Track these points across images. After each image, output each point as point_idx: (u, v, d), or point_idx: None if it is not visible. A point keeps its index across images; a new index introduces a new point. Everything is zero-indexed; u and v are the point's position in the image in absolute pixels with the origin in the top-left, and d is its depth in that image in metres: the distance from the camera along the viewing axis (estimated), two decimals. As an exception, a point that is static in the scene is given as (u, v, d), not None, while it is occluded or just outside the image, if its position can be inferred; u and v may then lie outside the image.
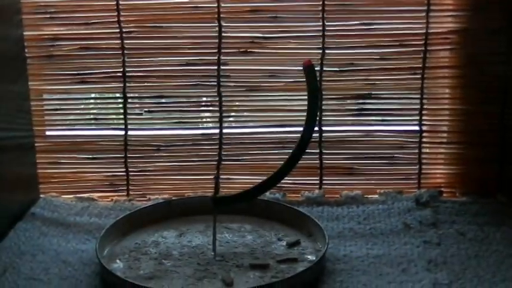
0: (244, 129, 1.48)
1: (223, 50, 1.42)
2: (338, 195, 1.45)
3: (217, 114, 1.45)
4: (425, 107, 1.44)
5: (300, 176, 1.45)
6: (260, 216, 1.34)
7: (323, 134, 1.45)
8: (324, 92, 1.42)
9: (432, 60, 1.41)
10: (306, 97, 1.15)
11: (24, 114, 1.43)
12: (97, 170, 1.49)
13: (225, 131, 1.46)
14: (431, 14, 1.38)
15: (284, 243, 1.25)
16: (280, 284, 1.10)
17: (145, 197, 1.48)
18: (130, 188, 1.49)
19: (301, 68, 1.15)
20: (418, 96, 1.43)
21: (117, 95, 1.47)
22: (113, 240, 1.26)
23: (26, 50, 1.42)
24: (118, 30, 1.41)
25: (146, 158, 1.48)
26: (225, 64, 1.43)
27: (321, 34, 1.40)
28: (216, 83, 1.43)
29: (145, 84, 1.45)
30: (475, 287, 1.10)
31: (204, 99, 1.48)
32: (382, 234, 1.29)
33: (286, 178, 1.20)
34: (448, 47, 1.40)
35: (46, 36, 1.42)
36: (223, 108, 1.45)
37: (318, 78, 1.39)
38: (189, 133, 1.48)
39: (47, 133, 1.48)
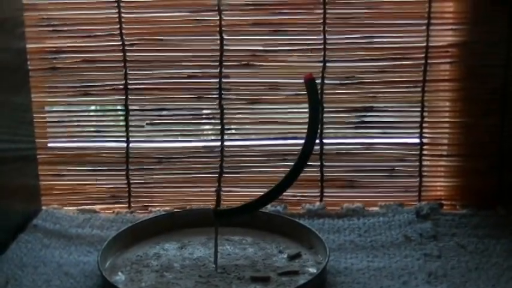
0: (245, 142, 1.48)
1: (224, 63, 1.42)
2: (339, 208, 1.45)
3: (219, 127, 1.46)
4: (425, 119, 1.44)
5: (301, 189, 1.46)
6: (261, 228, 1.34)
7: (324, 147, 1.45)
8: (325, 105, 1.43)
9: (432, 73, 1.42)
10: (307, 110, 1.15)
11: (27, 126, 1.44)
12: (99, 182, 1.49)
13: (226, 143, 1.47)
14: (432, 27, 1.39)
15: (285, 255, 1.26)
16: (281, 297, 1.10)
17: (147, 209, 1.48)
18: (132, 200, 1.49)
19: (303, 81, 1.15)
20: (419, 109, 1.43)
21: (119, 107, 1.48)
22: (114, 252, 1.26)
23: (29, 62, 1.42)
24: (120, 43, 1.42)
25: (148, 170, 1.48)
26: (227, 77, 1.43)
27: (322, 47, 1.41)
28: (217, 96, 1.44)
29: (147, 96, 1.46)
30: (476, 300, 1.11)
31: (206, 111, 1.49)
32: (382, 246, 1.30)
33: (287, 191, 1.20)
34: (449, 60, 1.41)
35: (48, 49, 1.43)
36: (225, 121, 1.45)
37: (319, 91, 1.40)
38: (190, 145, 1.48)
39: (49, 145, 1.49)
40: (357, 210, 1.44)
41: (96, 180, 1.49)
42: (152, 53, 1.43)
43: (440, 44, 1.40)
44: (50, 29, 1.42)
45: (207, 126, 1.52)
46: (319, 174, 1.47)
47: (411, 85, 1.42)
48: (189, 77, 1.44)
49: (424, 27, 1.39)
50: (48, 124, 1.48)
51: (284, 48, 1.42)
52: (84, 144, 1.49)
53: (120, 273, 1.20)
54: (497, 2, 1.36)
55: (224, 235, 1.30)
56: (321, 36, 1.40)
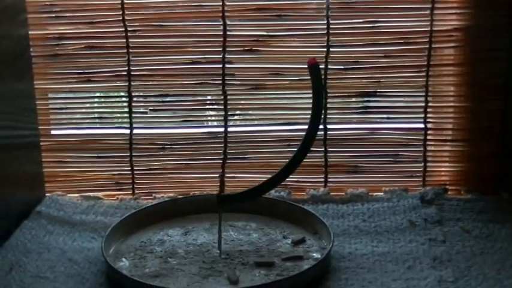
0: (249, 128, 1.48)
1: (228, 49, 1.42)
2: (343, 193, 1.45)
3: (222, 113, 1.45)
4: (430, 104, 1.44)
5: (305, 174, 1.45)
6: (265, 214, 1.34)
7: (328, 132, 1.45)
8: (328, 90, 1.42)
9: (437, 58, 1.41)
10: (310, 95, 1.15)
11: (30, 113, 1.43)
12: (102, 168, 1.49)
13: (230, 129, 1.46)
14: (436, 11, 1.38)
15: (289, 241, 1.25)
16: (285, 282, 1.10)
17: (151, 196, 1.48)
18: (135, 186, 1.49)
19: (306, 66, 1.15)
20: (423, 94, 1.43)
21: (122, 93, 1.47)
22: (118, 238, 1.26)
23: (31, 49, 1.42)
24: (123, 29, 1.41)
25: (151, 156, 1.48)
26: (230, 62, 1.43)
27: (325, 32, 1.40)
28: (220, 82, 1.44)
29: (150, 82, 1.45)
30: (480, 284, 1.10)
31: (209, 97, 1.48)
32: (387, 231, 1.29)
33: (291, 176, 1.20)
34: (453, 44, 1.40)
35: (51, 35, 1.42)
36: (228, 107, 1.45)
37: (323, 76, 1.39)
38: (194, 131, 1.48)
39: (52, 132, 1.49)
40: (361, 196, 1.43)
41: (100, 167, 1.49)
42: (155, 39, 1.43)
43: (445, 28, 1.39)
44: (53, 15, 1.42)
45: (211, 112, 1.52)
46: (323, 159, 1.47)
47: (415, 70, 1.42)
48: (192, 62, 1.43)
49: (428, 12, 1.38)
50: (51, 111, 1.48)
51: (288, 33, 1.41)
52: (87, 131, 1.49)
53: (124, 259, 1.20)
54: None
55: (228, 221, 1.30)
56: (325, 21, 1.40)
